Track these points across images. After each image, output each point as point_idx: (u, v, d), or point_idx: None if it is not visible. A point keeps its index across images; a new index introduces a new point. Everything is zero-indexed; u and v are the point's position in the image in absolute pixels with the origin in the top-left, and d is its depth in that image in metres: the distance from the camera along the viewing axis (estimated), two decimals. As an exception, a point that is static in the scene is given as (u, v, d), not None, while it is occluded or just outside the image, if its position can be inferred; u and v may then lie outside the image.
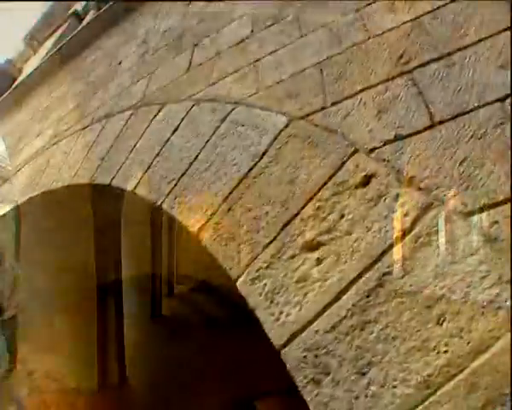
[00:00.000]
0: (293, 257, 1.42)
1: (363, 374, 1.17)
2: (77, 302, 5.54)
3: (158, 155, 2.21)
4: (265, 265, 1.47)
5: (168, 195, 1.98)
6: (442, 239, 1.22)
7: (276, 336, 1.34)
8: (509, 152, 1.23)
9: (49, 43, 7.57)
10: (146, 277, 6.00)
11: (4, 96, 6.08)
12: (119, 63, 3.75)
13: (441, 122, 1.44)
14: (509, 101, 1.35)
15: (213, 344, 6.77)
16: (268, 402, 8.30)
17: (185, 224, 1.80)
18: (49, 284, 3.66)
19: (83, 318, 6.05)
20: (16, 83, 6.47)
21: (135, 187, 2.19)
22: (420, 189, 1.33)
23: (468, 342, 1.08)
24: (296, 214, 1.49)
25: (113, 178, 2.41)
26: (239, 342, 6.53)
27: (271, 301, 1.39)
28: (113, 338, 6.32)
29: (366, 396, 1.14)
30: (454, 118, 1.42)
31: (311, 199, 1.49)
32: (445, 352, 1.10)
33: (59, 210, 3.05)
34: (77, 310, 5.86)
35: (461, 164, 1.32)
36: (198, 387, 6.55)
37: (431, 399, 1.07)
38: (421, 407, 1.08)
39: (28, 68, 7.09)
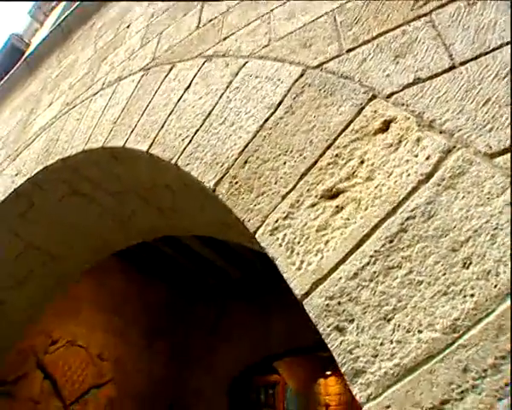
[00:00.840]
0: (312, 206, 1.39)
1: (388, 320, 1.14)
2: (97, 269, 5.63)
3: (171, 113, 2.18)
4: (284, 215, 1.44)
5: (183, 152, 1.95)
6: (466, 182, 1.18)
7: (297, 285, 1.32)
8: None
9: (55, 14, 7.49)
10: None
11: (14, 70, 6.06)
12: (128, 26, 3.69)
13: (462, 63, 1.38)
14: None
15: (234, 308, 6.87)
16: (285, 362, 8.49)
17: (200, 179, 1.78)
18: (66, 251, 3.68)
19: (102, 285, 6.16)
20: (25, 56, 6.43)
21: (149, 147, 2.17)
22: (441, 132, 1.28)
23: (496, 285, 1.04)
24: (314, 163, 1.46)
25: (127, 140, 2.38)
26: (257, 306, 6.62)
27: (292, 251, 1.37)
28: (136, 304, 6.46)
29: (391, 342, 1.12)
30: (476, 58, 1.36)
31: (329, 147, 1.45)
32: (472, 295, 1.06)
33: (74, 178, 3.04)
34: (97, 277, 5.97)
35: (484, 105, 1.27)
36: (221, 347, 6.67)
37: (458, 343, 1.04)
38: (447, 352, 1.05)
39: (36, 41, 7.05)
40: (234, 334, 6.61)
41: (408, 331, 1.11)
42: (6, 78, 6.16)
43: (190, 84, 2.20)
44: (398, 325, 1.12)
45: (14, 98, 5.62)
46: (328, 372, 10.52)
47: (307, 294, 1.29)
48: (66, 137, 3.11)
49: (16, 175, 3.50)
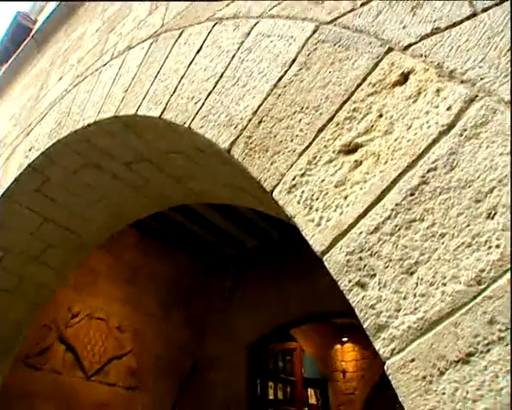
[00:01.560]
0: (330, 162, 1.36)
1: (411, 274, 1.12)
2: (114, 242, 5.68)
3: (182, 77, 2.15)
4: (302, 172, 1.41)
5: (196, 115, 1.92)
6: (490, 131, 1.14)
7: (317, 242, 1.30)
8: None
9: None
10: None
11: (22, 47, 6.03)
12: (135, -5, 3.63)
13: (484, 10, 1.32)
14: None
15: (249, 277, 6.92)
16: (302, 329, 8.57)
17: (215, 141, 1.76)
18: (82, 224, 3.70)
19: (119, 258, 6.22)
20: (32, 33, 6.39)
21: (161, 113, 2.15)
22: (463, 81, 1.24)
23: (522, 236, 1.01)
24: (331, 119, 1.42)
25: (139, 107, 2.36)
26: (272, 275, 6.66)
27: (310, 208, 1.35)
28: (153, 275, 6.53)
29: (415, 296, 1.11)
30: (499, 4, 1.31)
31: (345, 102, 1.41)
32: (498, 246, 1.04)
33: (87, 149, 3.03)
34: (114, 250, 6.02)
35: (508, 52, 1.22)
36: (238, 316, 6.74)
37: (483, 295, 1.02)
38: (472, 304, 1.03)
39: (43, 17, 6.99)
40: (251, 302, 6.66)
41: (431, 285, 1.09)
42: (14, 56, 6.14)
43: (201, 47, 2.16)
44: (422, 279, 1.10)
45: (24, 76, 5.60)
46: (345, 339, 10.58)
47: (327, 250, 1.27)
48: (77, 110, 3.10)
49: (30, 150, 3.50)
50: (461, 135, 1.16)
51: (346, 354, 10.70)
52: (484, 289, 1.03)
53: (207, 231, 6.58)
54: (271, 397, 7.36)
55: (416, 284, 1.11)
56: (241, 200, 2.74)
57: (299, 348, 8.09)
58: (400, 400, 1.09)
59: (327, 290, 5.90)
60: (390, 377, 1.11)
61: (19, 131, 4.17)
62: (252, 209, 5.59)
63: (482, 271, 1.04)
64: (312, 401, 9.76)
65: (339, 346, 10.70)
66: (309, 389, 9.61)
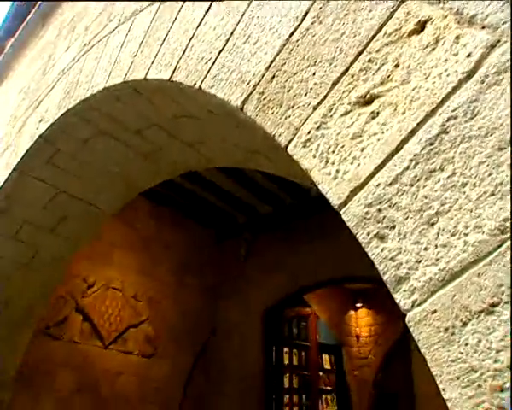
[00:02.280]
0: (346, 114, 1.33)
1: (432, 224, 1.10)
2: (127, 212, 5.71)
3: (192, 38, 2.10)
4: (317, 125, 1.38)
5: (207, 75, 1.89)
6: (512, 77, 1.10)
7: (334, 195, 1.28)
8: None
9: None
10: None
11: (27, 20, 5.96)
12: (139, -41, 3.55)
13: (504, -50, 1.26)
14: None
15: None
16: (316, 295, 8.63)
17: (227, 99, 1.73)
18: (95, 194, 3.71)
19: (133, 227, 6.26)
20: (37, 5, 6.31)
21: (171, 75, 2.11)
22: (484, 27, 1.19)
23: (547, 182, 0.99)
24: (346, 71, 1.38)
25: (148, 71, 2.33)
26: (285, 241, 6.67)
27: (327, 161, 1.32)
28: (166, 244, 6.58)
29: (436, 247, 1.08)
30: None
31: (360, 53, 1.37)
32: (522, 195, 1.01)
33: (97, 117, 3.01)
34: (127, 220, 6.06)
35: (531, -7, 1.16)
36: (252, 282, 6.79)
37: (507, 244, 1.00)
38: (495, 254, 1.01)
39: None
40: (265, 268, 6.69)
41: (453, 235, 1.06)
42: (20, 30, 6.08)
43: (210, 6, 2.11)
44: (443, 229, 1.08)
45: (31, 49, 5.56)
46: (359, 304, 10.66)
47: (345, 203, 1.25)
48: (86, 78, 3.07)
49: (40, 122, 3.49)
50: (482, 82, 1.12)
51: (360, 320, 10.78)
52: (507, 239, 1.00)
53: (220, 198, 6.58)
54: (286, 363, 7.46)
55: (437, 234, 1.09)
56: (254, 163, 2.72)
57: (313, 314, 8.14)
58: (422, 351, 1.08)
59: (340, 255, 5.92)
60: (411, 330, 1.10)
61: (28, 103, 4.16)
62: (264, 175, 5.58)
63: (506, 220, 1.01)
64: (327, 366, 9.88)
65: (353, 312, 10.78)
66: (323, 355, 9.71)
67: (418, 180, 1.14)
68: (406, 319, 1.10)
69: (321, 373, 9.20)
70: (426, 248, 1.10)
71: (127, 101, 2.72)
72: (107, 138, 3.17)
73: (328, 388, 9.74)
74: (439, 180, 1.11)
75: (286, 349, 7.49)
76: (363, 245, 1.19)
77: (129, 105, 2.75)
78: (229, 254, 7.24)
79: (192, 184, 6.06)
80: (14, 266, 3.93)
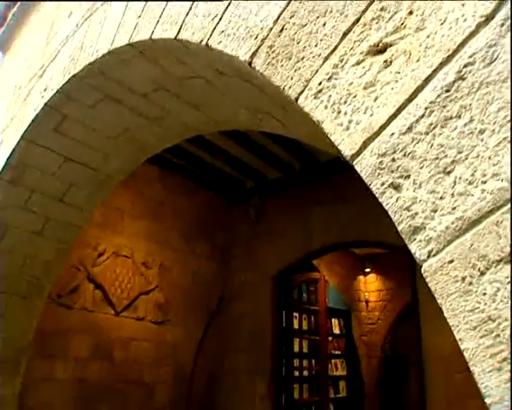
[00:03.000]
0: (358, 64, 1.30)
1: (448, 173, 1.08)
2: (136, 179, 5.71)
3: (197, -5, 2.05)
4: (328, 76, 1.35)
5: (213, 31, 1.84)
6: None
7: (347, 146, 1.25)
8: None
9: None
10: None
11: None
12: None
13: None
14: None
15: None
16: (325, 260, 8.66)
17: (235, 54, 1.69)
18: (103, 160, 3.70)
19: (142, 195, 6.27)
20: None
21: (177, 34, 2.07)
22: (502, -31, 1.14)
23: None
24: (357, 20, 1.34)
25: (153, 31, 2.28)
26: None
27: (338, 112, 1.30)
28: (175, 211, 6.59)
29: (452, 195, 1.06)
30: None
31: (372, 2, 1.33)
32: (542, 139, 0.98)
33: (102, 82, 2.98)
34: (136, 188, 6.06)
35: None
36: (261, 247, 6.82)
37: (526, 191, 0.98)
38: (514, 201, 0.99)
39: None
40: (274, 233, 6.69)
41: (470, 183, 1.04)
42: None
43: (215, -39, 2.05)
44: (460, 177, 1.06)
45: (34, 17, 5.48)
46: (368, 270, 10.70)
47: (357, 153, 1.23)
48: (90, 43, 3.02)
49: (45, 90, 3.46)
50: (502, 25, 1.08)
51: (369, 285, 10.84)
52: (527, 186, 0.98)
53: (228, 164, 6.55)
54: (296, 327, 7.54)
55: (454, 183, 1.06)
56: (263, 124, 2.68)
57: (322, 279, 8.18)
58: (439, 302, 1.06)
59: (349, 220, 5.91)
60: (427, 280, 1.08)
61: (33, 72, 4.11)
62: (273, 140, 5.54)
63: (525, 166, 0.99)
64: (336, 330, 9.97)
65: (362, 277, 10.83)
66: (333, 319, 9.80)
67: (434, 128, 1.11)
68: (422, 270, 1.09)
69: (330, 338, 9.29)
70: (442, 197, 1.08)
71: (133, 64, 2.68)
72: (113, 103, 3.13)
73: (338, 352, 9.84)
74: (455, 128, 1.08)
75: (296, 314, 7.56)
76: (377, 195, 1.17)
77: (135, 68, 2.71)
78: (238, 220, 7.25)
79: (200, 149, 6.02)
80: (26, 235, 3.95)
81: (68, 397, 5.07)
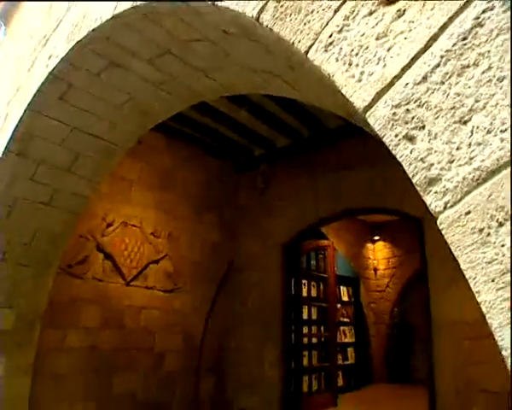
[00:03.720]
0: (370, 14, 1.26)
1: (465, 123, 1.05)
2: (143, 149, 5.70)
3: (201, -49, 1.99)
4: (339, 28, 1.31)
5: (219, -12, 1.80)
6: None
7: (359, 98, 1.22)
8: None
9: None
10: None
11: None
12: None
13: None
14: None
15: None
16: (334, 228, 8.67)
17: (242, 11, 1.65)
18: (110, 129, 3.67)
19: (149, 164, 6.25)
20: None
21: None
22: None
23: None
24: (368, -31, 1.29)
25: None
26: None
27: (350, 64, 1.26)
28: (184, 179, 6.57)
29: (469, 145, 1.04)
30: None
31: (383, -51, 1.28)
32: None
33: (107, 48, 2.93)
34: (143, 157, 6.04)
35: None
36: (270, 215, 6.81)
37: (546, 141, 0.95)
38: (533, 151, 0.96)
39: None
40: (283, 201, 6.66)
41: (488, 132, 1.01)
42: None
43: None
44: (477, 127, 1.03)
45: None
46: (376, 237, 10.72)
47: (370, 105, 1.20)
48: (93, 9, 2.96)
49: (49, 59, 3.42)
50: (520, -32, 1.04)
51: (378, 253, 10.86)
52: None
53: (236, 132, 6.49)
54: (305, 295, 7.58)
55: (471, 132, 1.04)
56: (271, 87, 2.63)
57: (331, 247, 8.19)
58: (455, 254, 1.05)
59: (358, 187, 5.88)
60: (443, 232, 1.06)
61: (36, 42, 4.06)
62: (282, 107, 5.48)
63: (546, 114, 0.96)
64: (345, 298, 10.04)
65: (370, 244, 10.85)
66: (341, 287, 9.86)
67: (450, 77, 1.08)
68: (438, 222, 1.07)
69: (339, 305, 9.36)
70: (458, 148, 1.05)
71: (137, 28, 2.63)
72: (119, 70, 3.09)
73: (346, 320, 9.93)
74: (472, 76, 1.05)
75: (304, 281, 7.60)
76: (390, 148, 1.15)
77: (139, 32, 2.66)
78: (247, 187, 7.21)
79: (208, 117, 5.96)
80: (35, 207, 3.96)
81: (80, 366, 5.16)
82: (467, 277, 1.02)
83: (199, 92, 3.15)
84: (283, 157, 6.85)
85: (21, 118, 3.56)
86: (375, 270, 10.74)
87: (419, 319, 8.17)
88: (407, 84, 1.14)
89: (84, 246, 5.33)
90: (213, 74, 2.83)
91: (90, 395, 5.18)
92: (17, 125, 3.60)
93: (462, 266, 1.02)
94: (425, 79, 1.12)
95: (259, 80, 2.57)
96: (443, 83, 1.09)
